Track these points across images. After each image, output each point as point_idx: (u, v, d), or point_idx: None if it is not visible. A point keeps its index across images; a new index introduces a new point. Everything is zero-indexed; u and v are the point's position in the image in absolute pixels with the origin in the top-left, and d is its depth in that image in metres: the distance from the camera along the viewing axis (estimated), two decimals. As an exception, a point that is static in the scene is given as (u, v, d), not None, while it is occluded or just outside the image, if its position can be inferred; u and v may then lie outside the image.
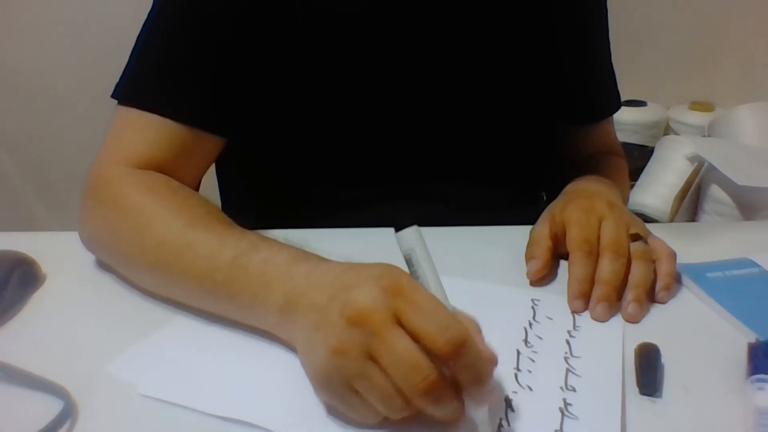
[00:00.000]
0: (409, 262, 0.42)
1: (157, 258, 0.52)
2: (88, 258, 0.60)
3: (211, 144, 0.63)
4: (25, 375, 0.45)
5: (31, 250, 0.58)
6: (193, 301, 0.52)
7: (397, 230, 0.41)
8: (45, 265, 0.58)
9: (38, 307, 0.54)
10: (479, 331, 0.41)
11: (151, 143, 0.59)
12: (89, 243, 0.59)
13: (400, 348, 0.37)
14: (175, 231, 0.52)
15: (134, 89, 0.61)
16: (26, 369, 0.45)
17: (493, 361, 0.40)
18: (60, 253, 0.61)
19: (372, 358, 0.37)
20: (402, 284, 0.39)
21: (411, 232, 0.41)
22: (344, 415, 0.40)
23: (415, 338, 0.37)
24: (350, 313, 0.38)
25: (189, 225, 0.53)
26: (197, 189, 0.66)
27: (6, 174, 1.80)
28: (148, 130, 0.59)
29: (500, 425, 0.41)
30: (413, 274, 0.41)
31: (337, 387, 0.39)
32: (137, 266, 0.55)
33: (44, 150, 1.76)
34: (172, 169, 0.59)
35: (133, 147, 0.59)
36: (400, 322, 0.38)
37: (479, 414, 0.40)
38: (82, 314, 0.54)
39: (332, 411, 0.42)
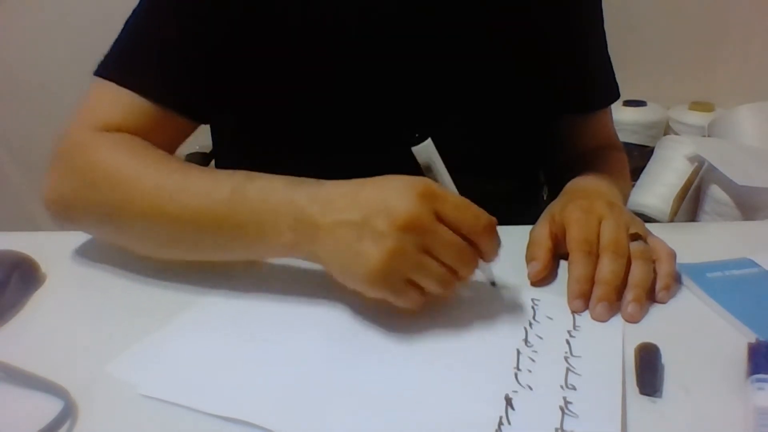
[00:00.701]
0: (427, 170, 0.50)
1: (151, 202, 0.53)
2: (88, 258, 0.60)
3: (180, 124, 0.64)
4: (25, 375, 0.45)
5: (31, 250, 0.58)
6: (191, 244, 0.53)
7: (414, 145, 0.49)
8: (45, 265, 0.58)
9: (38, 307, 0.54)
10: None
11: (121, 114, 0.60)
12: (62, 207, 0.59)
13: (450, 239, 0.47)
14: (166, 176, 0.54)
15: (112, 65, 0.62)
16: (26, 369, 0.45)
17: (496, 224, 0.49)
18: (60, 253, 0.61)
19: (426, 251, 0.46)
20: (433, 188, 0.47)
21: (426, 145, 0.49)
22: (391, 310, 0.49)
23: (456, 228, 0.47)
24: (400, 221, 0.45)
25: (178, 170, 0.55)
26: None
27: (6, 174, 1.79)
28: (119, 103, 0.61)
29: (501, 423, 0.41)
30: (433, 179, 0.49)
31: (395, 282, 0.47)
32: (128, 217, 0.55)
33: (44, 150, 1.75)
34: (143, 139, 0.60)
35: (105, 115, 0.61)
36: (440, 219, 0.46)
37: (484, 266, 0.52)
38: (82, 314, 0.54)
39: (330, 410, 0.42)
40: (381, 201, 0.47)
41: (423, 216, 0.46)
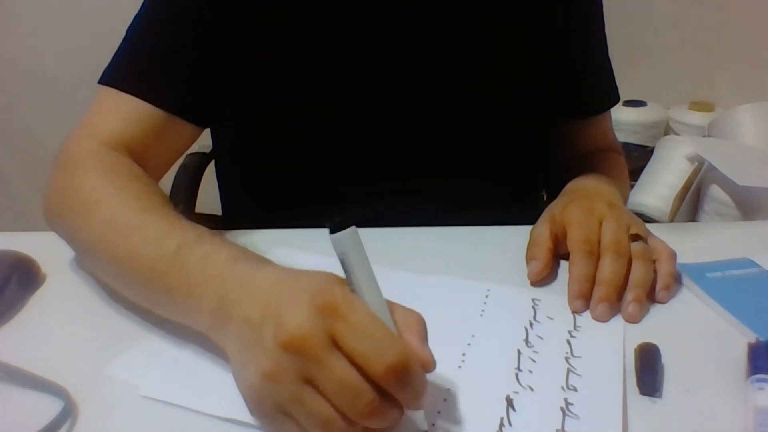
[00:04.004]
0: (343, 265, 0.38)
1: (103, 236, 0.51)
2: (88, 258, 0.60)
3: (184, 130, 0.64)
4: (25, 375, 0.45)
5: (31, 250, 0.58)
6: (128, 288, 0.51)
7: (332, 232, 0.38)
8: (45, 265, 0.58)
9: (38, 307, 0.54)
10: (424, 328, 0.39)
11: (124, 122, 0.60)
12: (47, 215, 0.59)
13: (339, 374, 0.35)
14: (128, 212, 0.51)
15: (116, 72, 0.63)
16: (26, 369, 0.45)
17: (429, 365, 0.38)
18: (60, 253, 0.61)
19: (309, 383, 0.36)
20: (336, 301, 0.36)
21: (345, 235, 0.38)
22: None
23: (353, 363, 0.35)
24: (284, 338, 0.36)
25: (143, 209, 0.52)
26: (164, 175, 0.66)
27: (6, 174, 1.79)
28: (123, 110, 0.61)
29: (502, 424, 0.41)
30: (348, 278, 0.39)
31: (269, 411, 0.38)
32: (82, 243, 0.54)
33: (44, 150, 1.75)
34: (143, 149, 0.60)
35: (106, 124, 0.60)
36: (336, 345, 0.36)
37: (416, 413, 0.39)
38: (82, 314, 0.54)
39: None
40: (280, 305, 0.38)
41: (311, 337, 0.35)
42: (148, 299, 0.50)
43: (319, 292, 0.37)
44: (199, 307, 0.44)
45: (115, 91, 0.61)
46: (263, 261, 0.45)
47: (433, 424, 0.41)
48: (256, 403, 0.39)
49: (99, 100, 0.63)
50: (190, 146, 0.67)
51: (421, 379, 0.37)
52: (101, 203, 0.53)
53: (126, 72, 0.62)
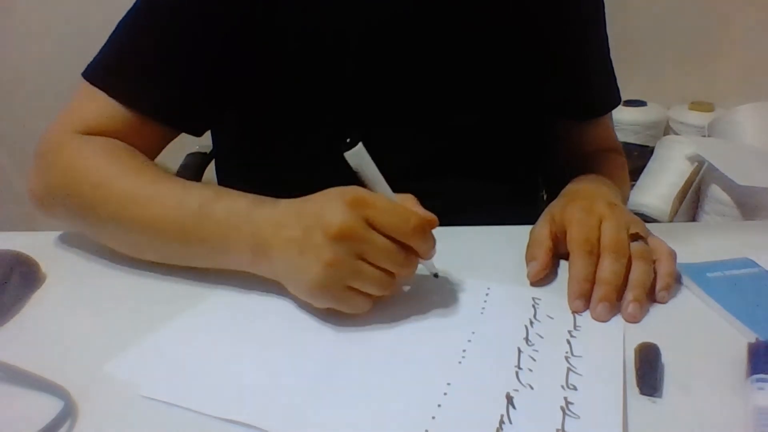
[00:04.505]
0: (359, 173, 0.49)
1: (124, 208, 0.55)
2: (88, 258, 0.60)
3: (165, 132, 0.65)
4: (25, 375, 0.45)
5: (31, 250, 0.58)
6: (158, 251, 0.56)
7: (345, 150, 0.48)
8: (45, 265, 0.58)
9: (38, 307, 0.54)
10: (417, 202, 0.51)
11: (103, 118, 0.62)
12: (42, 203, 0.61)
13: (382, 244, 0.48)
14: (140, 185, 0.57)
15: (100, 69, 0.63)
16: (26, 369, 0.45)
17: (435, 221, 0.50)
18: (60, 253, 0.61)
19: (361, 258, 0.48)
20: (361, 195, 0.48)
21: (356, 150, 0.48)
22: (341, 316, 0.50)
23: (386, 232, 0.48)
24: (333, 231, 0.47)
25: (152, 180, 0.57)
26: None
27: (6, 174, 1.79)
28: (102, 107, 0.62)
29: (502, 421, 0.41)
30: (364, 183, 0.50)
31: (335, 291, 0.48)
32: (101, 219, 0.57)
33: (44, 150, 1.76)
34: (122, 140, 0.61)
35: (86, 117, 0.62)
36: (371, 226, 0.47)
37: (427, 262, 0.54)
38: (82, 314, 0.54)
39: (331, 412, 0.42)
40: (317, 215, 0.48)
41: (354, 225, 0.47)
42: (180, 255, 0.56)
43: (347, 193, 0.48)
44: (238, 249, 0.52)
45: (94, 87, 0.62)
46: (277, 200, 0.53)
47: (434, 418, 0.41)
48: (325, 289, 0.48)
49: (81, 94, 0.63)
50: (168, 144, 0.67)
51: (432, 233, 0.50)
52: (113, 180, 0.57)
53: (110, 71, 0.63)
